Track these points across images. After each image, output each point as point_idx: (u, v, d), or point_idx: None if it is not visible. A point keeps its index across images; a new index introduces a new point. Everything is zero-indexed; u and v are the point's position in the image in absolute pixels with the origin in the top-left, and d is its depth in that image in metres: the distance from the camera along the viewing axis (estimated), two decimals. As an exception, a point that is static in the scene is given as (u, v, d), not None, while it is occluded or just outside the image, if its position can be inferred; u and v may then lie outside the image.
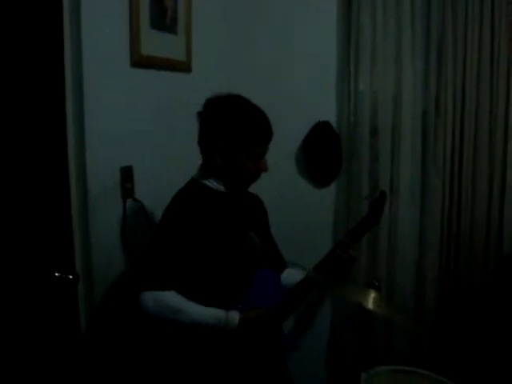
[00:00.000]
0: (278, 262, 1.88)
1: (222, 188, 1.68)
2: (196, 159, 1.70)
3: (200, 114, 1.65)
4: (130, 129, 1.94)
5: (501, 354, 2.40)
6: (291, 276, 1.80)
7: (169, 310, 1.55)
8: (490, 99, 2.37)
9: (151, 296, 1.53)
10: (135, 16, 1.90)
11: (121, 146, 1.90)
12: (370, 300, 1.84)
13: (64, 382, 1.73)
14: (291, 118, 2.46)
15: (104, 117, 1.81)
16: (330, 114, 2.54)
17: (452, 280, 2.50)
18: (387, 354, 2.55)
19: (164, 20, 2.08)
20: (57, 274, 1.64)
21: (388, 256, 2.52)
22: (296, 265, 1.90)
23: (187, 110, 1.77)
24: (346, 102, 2.48)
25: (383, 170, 2.48)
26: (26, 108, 1.56)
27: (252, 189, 1.75)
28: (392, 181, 2.48)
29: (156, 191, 1.98)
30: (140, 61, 1.94)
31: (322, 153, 2.53)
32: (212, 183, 1.67)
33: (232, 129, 1.59)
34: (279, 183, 2.48)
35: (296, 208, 2.61)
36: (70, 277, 1.66)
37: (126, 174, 1.92)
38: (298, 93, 2.53)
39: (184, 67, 2.24)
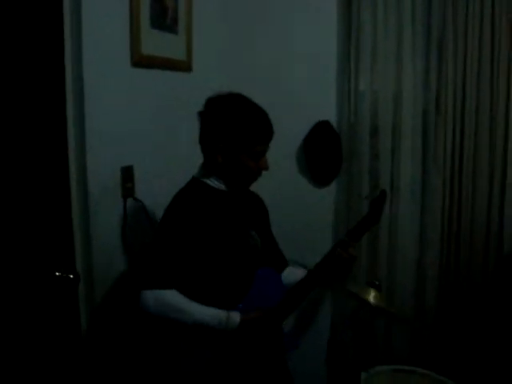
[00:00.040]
0: (279, 260, 1.88)
1: (223, 187, 1.68)
2: (197, 158, 1.71)
3: (201, 114, 1.66)
4: (131, 128, 1.94)
5: (501, 353, 2.40)
6: (292, 275, 1.81)
7: (170, 309, 1.55)
8: (490, 97, 2.37)
9: (152, 295, 1.54)
10: (136, 16, 1.90)
11: (121, 146, 1.90)
12: (371, 299, 1.86)
13: (65, 381, 1.73)
14: (291, 117, 2.46)
15: (104, 116, 1.81)
16: (330, 114, 2.54)
17: (452, 278, 2.50)
18: (387, 353, 2.55)
19: (164, 20, 2.08)
20: (57, 274, 1.64)
21: (388, 255, 2.52)
22: (297, 263, 1.91)
23: (188, 109, 1.77)
24: (346, 102, 2.48)
25: (383, 168, 2.48)
26: (27, 108, 1.56)
27: (253, 188, 1.76)
28: (392, 180, 2.48)
29: (157, 191, 1.99)
30: (140, 60, 1.95)
31: (323, 152, 2.53)
32: (213, 182, 1.67)
33: (233, 127, 1.60)
34: (280, 182, 2.48)
35: (296, 207, 2.61)
36: (71, 276, 1.66)
37: (127, 173, 1.92)
38: (298, 92, 2.54)
39: (184, 67, 2.24)
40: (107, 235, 1.86)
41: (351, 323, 2.45)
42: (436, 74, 2.40)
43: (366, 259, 2.54)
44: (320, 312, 2.67)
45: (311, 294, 1.69)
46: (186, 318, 1.56)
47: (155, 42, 2.02)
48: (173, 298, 1.55)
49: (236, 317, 1.58)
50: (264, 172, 1.67)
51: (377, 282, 1.91)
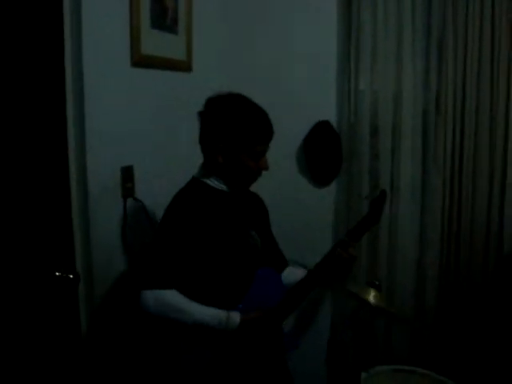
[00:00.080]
0: (279, 260, 1.88)
1: (223, 187, 1.68)
2: (197, 158, 1.71)
3: (201, 114, 1.66)
4: (131, 128, 1.94)
5: (501, 353, 2.40)
6: (292, 275, 1.81)
7: (170, 309, 1.55)
8: (490, 97, 2.37)
9: (152, 295, 1.54)
10: (136, 16, 1.90)
11: (121, 146, 1.90)
12: (371, 299, 1.86)
13: (65, 382, 1.73)
14: (291, 117, 2.46)
15: (104, 116, 1.81)
16: (330, 114, 2.54)
17: (452, 278, 2.50)
18: (387, 353, 2.55)
19: (164, 20, 2.08)
20: (57, 274, 1.64)
21: (388, 255, 2.52)
22: (297, 263, 1.91)
23: (188, 109, 1.77)
24: (346, 102, 2.48)
25: (383, 168, 2.48)
26: (27, 108, 1.56)
27: (253, 188, 1.76)
28: (392, 180, 2.48)
29: (157, 191, 1.99)
30: (140, 60, 1.95)
31: (323, 152, 2.53)
32: (213, 182, 1.68)
33: (233, 127, 1.60)
34: (280, 182, 2.48)
35: (296, 207, 2.61)
36: (71, 276, 1.66)
37: (127, 173, 1.92)
38: (298, 92, 2.54)
39: (184, 67, 2.25)
40: (107, 235, 1.87)
41: (351, 323, 2.45)
42: (436, 74, 2.40)
43: (366, 259, 2.53)
44: (320, 312, 2.67)
45: (311, 294, 1.69)
46: (186, 318, 1.56)
47: (155, 42, 2.02)
48: (173, 298, 1.55)
49: (236, 317, 1.59)
50: (264, 172, 1.67)
51: (377, 282, 1.91)
